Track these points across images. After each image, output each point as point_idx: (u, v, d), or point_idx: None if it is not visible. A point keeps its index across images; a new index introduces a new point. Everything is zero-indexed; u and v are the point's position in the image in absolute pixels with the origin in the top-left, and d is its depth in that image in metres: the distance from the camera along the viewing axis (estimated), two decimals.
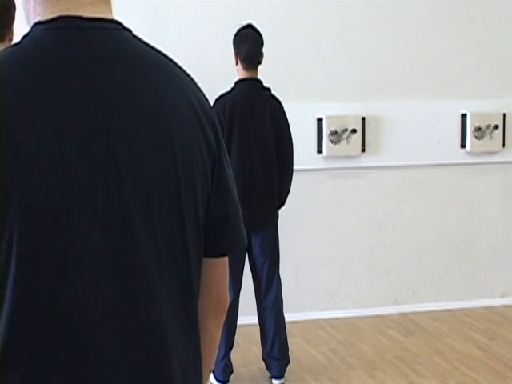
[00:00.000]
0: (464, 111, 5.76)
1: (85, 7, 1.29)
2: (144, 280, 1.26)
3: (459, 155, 5.83)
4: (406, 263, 5.80)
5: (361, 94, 5.63)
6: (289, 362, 4.50)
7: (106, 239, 1.22)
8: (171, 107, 1.30)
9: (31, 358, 1.19)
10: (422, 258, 5.82)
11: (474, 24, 5.79)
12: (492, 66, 5.85)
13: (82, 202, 1.20)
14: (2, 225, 1.17)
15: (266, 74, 4.52)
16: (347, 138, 5.55)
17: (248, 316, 4.67)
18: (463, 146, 5.80)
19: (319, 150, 5.55)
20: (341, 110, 5.54)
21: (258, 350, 4.62)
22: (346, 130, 5.54)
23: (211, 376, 4.47)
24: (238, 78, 4.36)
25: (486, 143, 5.81)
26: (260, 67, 4.39)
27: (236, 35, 4.37)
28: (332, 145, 5.53)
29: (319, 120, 5.52)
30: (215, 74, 5.03)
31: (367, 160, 5.67)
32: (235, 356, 4.59)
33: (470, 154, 5.83)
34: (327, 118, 5.51)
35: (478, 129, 5.77)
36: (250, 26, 4.39)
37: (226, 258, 1.46)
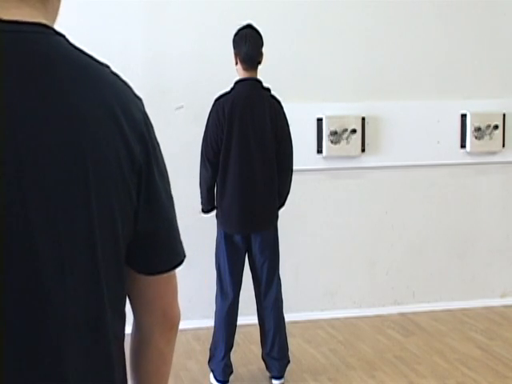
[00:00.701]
0: (464, 111, 5.77)
1: (7, 10, 1.22)
2: (45, 304, 1.19)
3: (459, 155, 5.83)
4: (405, 263, 5.80)
5: (361, 94, 5.63)
6: (289, 362, 4.50)
7: (6, 258, 1.16)
8: (87, 119, 1.23)
9: None
10: (421, 258, 5.82)
11: (474, 24, 5.79)
12: (492, 66, 5.85)
13: None
14: None
15: (266, 74, 4.52)
16: (347, 138, 5.55)
17: (248, 316, 4.67)
18: (463, 146, 5.80)
19: (319, 150, 5.55)
20: (341, 110, 5.54)
21: (258, 350, 4.62)
22: (345, 130, 5.54)
23: (211, 376, 4.47)
24: (237, 78, 4.36)
25: (486, 143, 5.81)
26: (260, 67, 4.38)
27: (235, 35, 4.37)
28: (332, 145, 5.53)
29: (319, 120, 5.52)
30: (216, 74, 5.03)
31: (367, 160, 5.67)
32: (235, 356, 4.59)
33: (469, 154, 5.83)
34: (327, 118, 5.51)
35: (478, 129, 5.77)
36: (249, 26, 4.38)
37: (167, 275, 1.38)
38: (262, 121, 4.29)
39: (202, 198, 4.43)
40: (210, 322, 4.55)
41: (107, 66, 1.31)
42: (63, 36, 1.27)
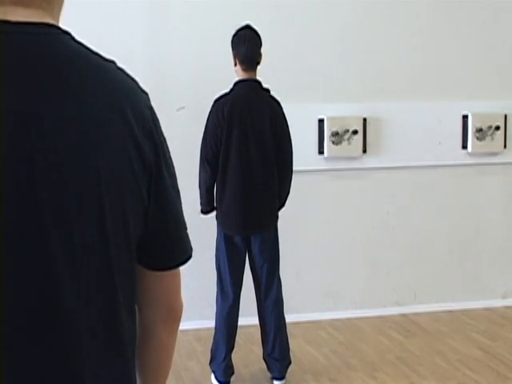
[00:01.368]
0: (465, 112, 5.76)
1: (14, 11, 1.22)
2: (58, 304, 1.20)
3: (460, 156, 5.83)
4: (407, 264, 5.80)
5: (362, 95, 5.63)
6: (290, 362, 4.50)
7: (19, 258, 1.17)
8: (97, 119, 1.23)
9: None
10: (423, 259, 5.82)
11: (476, 25, 5.78)
12: (493, 67, 5.85)
13: None
14: None
15: (267, 75, 4.52)
16: (348, 139, 5.55)
17: (249, 317, 4.67)
18: (464, 146, 5.80)
19: (320, 151, 5.55)
20: (342, 110, 5.55)
21: (259, 350, 4.62)
22: (347, 130, 5.54)
23: (212, 377, 4.47)
24: (236, 78, 4.36)
25: (488, 144, 5.81)
26: (261, 68, 4.38)
27: (234, 36, 4.36)
28: (333, 146, 5.53)
29: (320, 121, 5.52)
30: (217, 76, 5.03)
31: (368, 161, 5.67)
32: (236, 357, 4.59)
33: (471, 154, 5.83)
34: (328, 119, 5.51)
35: (480, 130, 5.77)
36: (248, 27, 4.38)
37: (174, 271, 1.41)
38: (262, 121, 4.28)
39: (201, 198, 4.43)
40: (211, 323, 4.56)
41: (113, 62, 1.32)
42: (70, 34, 1.28)
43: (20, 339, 1.17)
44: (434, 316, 5.69)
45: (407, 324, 5.55)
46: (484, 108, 5.78)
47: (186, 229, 1.42)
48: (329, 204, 5.64)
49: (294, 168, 4.44)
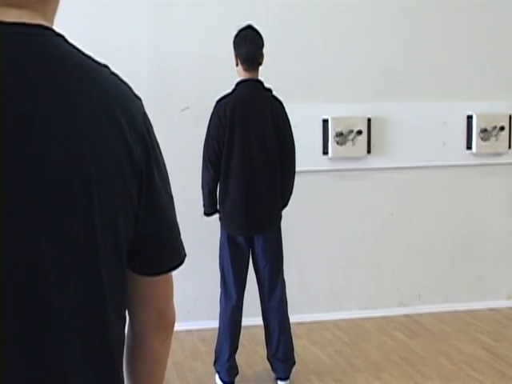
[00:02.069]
0: (470, 112, 5.76)
1: (7, 12, 1.22)
2: (46, 306, 1.19)
3: (465, 156, 5.82)
4: (411, 264, 5.80)
5: (366, 95, 5.63)
6: (294, 363, 4.50)
7: (8, 259, 1.16)
8: (88, 123, 1.23)
9: None
10: (427, 260, 5.82)
11: (480, 25, 5.78)
12: (498, 67, 5.84)
13: None
14: None
15: (271, 75, 4.52)
16: (353, 140, 5.55)
17: (253, 317, 4.67)
18: (469, 147, 5.80)
19: (325, 152, 5.55)
20: (346, 111, 5.54)
21: (263, 351, 4.62)
22: (351, 131, 5.54)
23: (217, 377, 4.47)
24: (238, 79, 4.36)
25: (492, 144, 5.80)
26: (265, 68, 4.38)
27: (236, 36, 4.36)
28: (338, 146, 5.53)
29: (325, 121, 5.52)
30: (221, 76, 5.03)
31: (373, 161, 5.67)
32: (240, 357, 4.60)
33: (475, 155, 5.83)
34: (333, 119, 5.51)
35: (484, 130, 5.76)
36: (250, 27, 4.38)
37: (165, 276, 1.39)
38: (264, 121, 4.28)
39: (203, 200, 4.43)
40: (215, 323, 4.56)
41: (106, 67, 1.31)
42: (63, 37, 1.27)
43: (7, 339, 1.17)
44: (438, 316, 5.68)
45: (411, 324, 5.55)
46: (488, 108, 5.78)
47: (178, 233, 1.41)
48: (333, 204, 5.64)
49: (298, 168, 4.44)
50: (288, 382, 4.48)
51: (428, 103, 5.72)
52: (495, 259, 5.94)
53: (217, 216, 4.45)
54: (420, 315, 5.70)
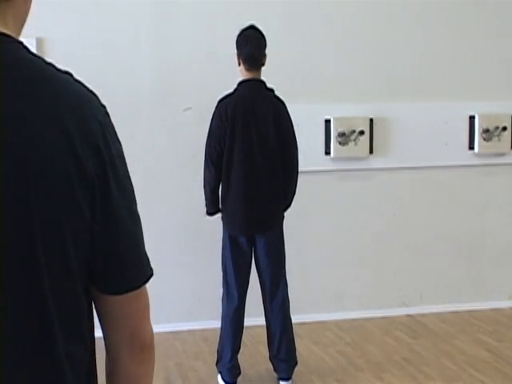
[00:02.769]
0: (472, 113, 5.76)
1: None
2: None
3: (467, 157, 5.82)
4: (413, 265, 5.80)
5: (369, 95, 5.63)
6: (296, 363, 4.50)
7: None
8: (33, 135, 1.18)
9: None
10: (429, 260, 5.82)
11: (482, 26, 5.78)
12: (500, 67, 5.84)
13: None
14: None
15: (273, 75, 4.52)
16: (355, 140, 5.55)
17: (256, 317, 4.67)
18: (471, 147, 5.79)
19: (327, 152, 5.55)
20: (349, 111, 5.54)
21: (265, 351, 4.62)
22: (353, 131, 5.54)
23: (219, 377, 4.47)
24: (240, 79, 4.36)
25: (494, 145, 5.80)
26: (268, 69, 4.38)
27: (238, 36, 4.36)
28: (340, 146, 5.53)
29: (327, 121, 5.52)
30: (223, 76, 5.03)
31: (375, 162, 5.67)
32: (243, 357, 4.59)
33: (478, 155, 5.82)
34: (335, 119, 5.51)
35: (486, 130, 5.76)
36: (252, 27, 4.38)
37: (133, 293, 1.31)
38: (265, 121, 4.27)
39: (206, 200, 4.43)
40: (217, 323, 4.56)
41: (69, 74, 1.27)
42: (21, 43, 1.24)
43: None
44: (440, 317, 5.68)
45: (414, 325, 5.55)
46: (491, 109, 5.77)
47: (142, 249, 1.33)
48: (335, 205, 5.64)
49: (301, 169, 4.43)
50: (290, 382, 4.48)
51: (430, 103, 5.72)
52: (497, 259, 5.93)
53: (220, 215, 4.45)
54: (422, 315, 5.70)
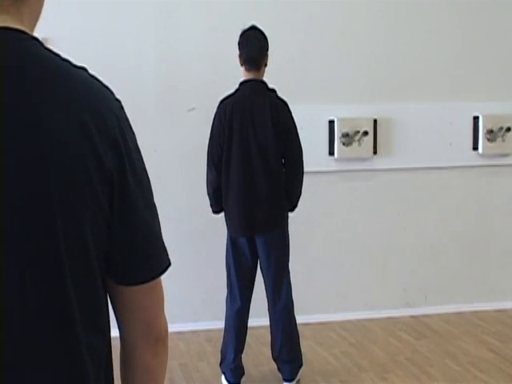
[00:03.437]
0: (476, 113, 5.75)
1: None
2: (3, 315, 1.18)
3: (471, 157, 5.82)
4: (417, 265, 5.79)
5: (372, 96, 5.63)
6: (301, 365, 4.48)
7: None
8: (52, 131, 1.20)
9: None
10: (433, 261, 5.81)
11: (486, 26, 5.77)
12: (504, 68, 5.83)
13: None
14: None
15: (277, 76, 4.52)
16: (359, 140, 5.55)
17: (260, 318, 4.67)
18: (475, 148, 5.79)
19: (331, 152, 5.55)
20: (352, 112, 5.54)
21: (269, 351, 4.61)
22: (357, 132, 5.54)
23: (223, 378, 4.47)
24: (242, 79, 4.37)
25: (499, 145, 5.79)
26: (271, 69, 4.38)
27: (240, 37, 4.37)
28: (344, 147, 5.53)
29: (331, 122, 5.52)
30: (227, 76, 5.03)
31: (379, 162, 5.67)
32: (246, 358, 4.60)
33: (482, 156, 5.82)
34: (339, 120, 5.50)
35: (491, 131, 5.75)
36: (253, 28, 4.38)
37: (149, 285, 1.33)
38: (262, 122, 4.25)
39: (209, 199, 4.43)
40: (221, 324, 4.55)
41: (84, 69, 1.29)
42: (37, 40, 1.25)
43: None
44: (444, 318, 5.67)
45: (418, 326, 5.54)
46: (495, 109, 5.77)
47: (159, 240, 1.35)
48: (339, 205, 5.64)
49: (305, 169, 4.40)
50: (294, 383, 4.47)
51: (434, 104, 5.71)
52: (501, 260, 5.93)
53: (223, 215, 4.45)
54: (426, 316, 5.69)
